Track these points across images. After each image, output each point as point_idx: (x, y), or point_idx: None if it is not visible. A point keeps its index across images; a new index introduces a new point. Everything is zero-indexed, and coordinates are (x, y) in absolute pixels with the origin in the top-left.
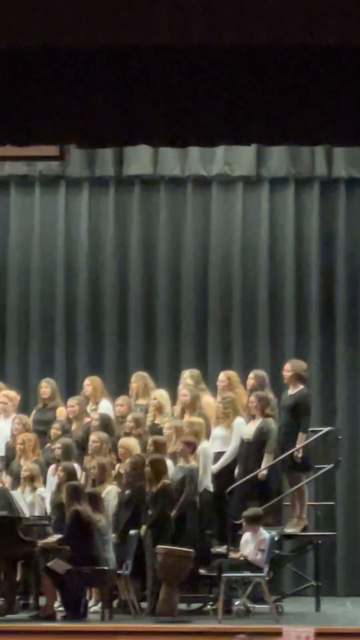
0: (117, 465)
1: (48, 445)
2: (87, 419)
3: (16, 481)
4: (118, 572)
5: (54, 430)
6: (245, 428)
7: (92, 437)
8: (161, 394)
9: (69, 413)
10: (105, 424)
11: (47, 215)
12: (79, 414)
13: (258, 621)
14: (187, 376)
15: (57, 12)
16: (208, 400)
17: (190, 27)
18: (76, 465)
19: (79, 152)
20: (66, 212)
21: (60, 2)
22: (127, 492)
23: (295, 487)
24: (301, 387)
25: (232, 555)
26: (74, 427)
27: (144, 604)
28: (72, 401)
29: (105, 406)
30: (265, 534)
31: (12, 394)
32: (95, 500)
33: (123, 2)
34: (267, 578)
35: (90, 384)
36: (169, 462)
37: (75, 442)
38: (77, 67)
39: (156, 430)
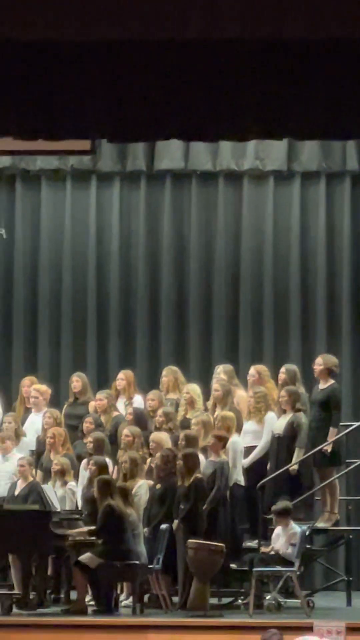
0: (149, 460)
1: (79, 439)
2: (115, 413)
3: (47, 475)
4: (149, 566)
5: (87, 424)
6: (276, 422)
7: (125, 431)
8: (193, 389)
9: (97, 407)
10: (139, 419)
11: (78, 210)
12: (108, 407)
13: (289, 616)
14: (221, 371)
15: (91, 5)
16: (241, 394)
17: (224, 20)
18: (107, 460)
19: (111, 146)
20: (97, 206)
21: None
22: (159, 486)
23: (326, 481)
24: (332, 381)
25: (263, 549)
26: (103, 420)
27: (175, 599)
28: (100, 395)
29: (139, 401)
30: (296, 528)
31: (43, 388)
32: (127, 495)
33: None
34: (298, 572)
35: (124, 378)
36: (200, 457)
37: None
38: (109, 60)
39: (188, 424)
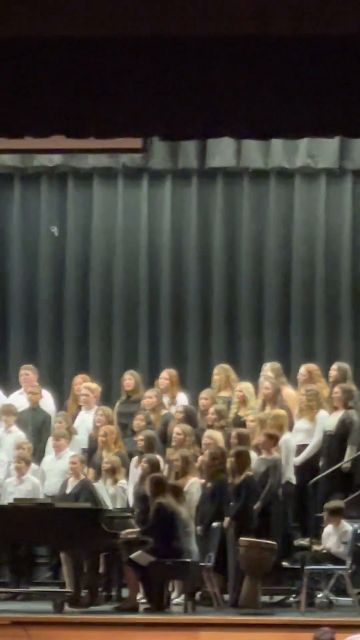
0: (200, 458)
1: (130, 437)
2: (164, 411)
3: (98, 473)
4: (201, 564)
5: (138, 422)
6: (328, 420)
7: (176, 429)
8: (246, 387)
9: (146, 405)
10: (189, 416)
11: (130, 208)
12: (157, 405)
13: (341, 614)
14: (268, 369)
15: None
16: (289, 392)
17: (273, 16)
18: (159, 457)
19: (162, 144)
20: (149, 204)
21: None
22: (210, 484)
23: None
24: None
25: (315, 547)
26: (152, 418)
27: (227, 596)
28: (150, 393)
29: (183, 399)
30: (348, 526)
31: (94, 385)
32: (178, 493)
33: None
34: (349, 571)
35: (167, 377)
36: (252, 455)
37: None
38: (161, 58)
39: (240, 422)
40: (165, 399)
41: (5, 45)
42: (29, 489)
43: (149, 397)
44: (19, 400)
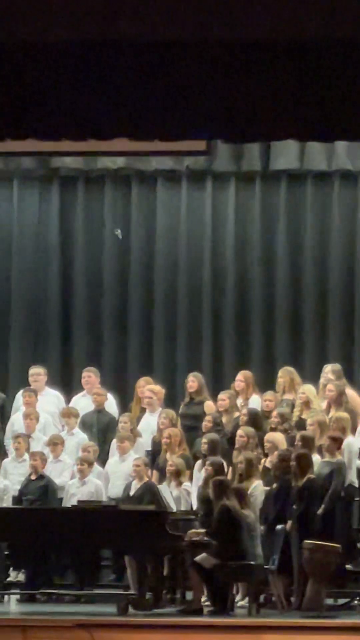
0: (263, 460)
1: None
2: (236, 414)
3: (162, 475)
4: (265, 566)
5: (205, 423)
6: None
7: (239, 431)
8: (309, 389)
9: (219, 407)
10: (253, 419)
11: (193, 210)
12: (229, 407)
13: None
14: (329, 370)
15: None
16: (351, 394)
17: (342, 20)
18: (223, 460)
19: (226, 146)
20: (213, 207)
21: None
22: (274, 487)
23: None
24: None
25: None
26: (224, 420)
27: (291, 599)
28: (223, 395)
29: (256, 401)
30: None
31: (157, 388)
32: (243, 495)
33: None
34: None
35: (242, 379)
36: (315, 457)
37: (225, 436)
38: (226, 61)
39: (303, 425)
40: (239, 401)
41: (71, 47)
42: (91, 490)
43: (221, 399)
44: (81, 402)
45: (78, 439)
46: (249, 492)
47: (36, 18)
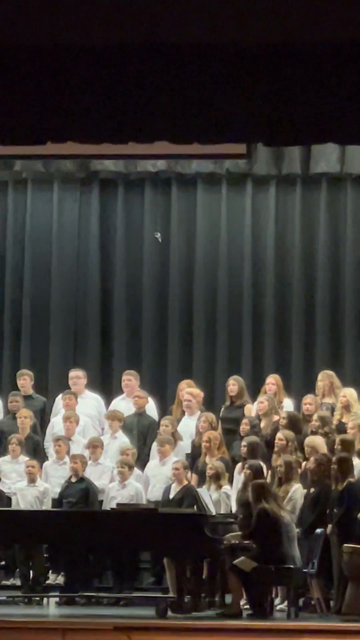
0: (303, 464)
1: (238, 441)
2: (275, 417)
3: (202, 479)
4: (304, 570)
5: (243, 426)
6: None
7: (279, 435)
8: (350, 393)
9: (258, 410)
10: (293, 422)
11: (233, 213)
12: (269, 410)
13: None
14: None
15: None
16: None
17: None
18: (262, 463)
19: (266, 150)
20: (253, 210)
21: None
22: (313, 490)
23: None
24: None
25: None
26: (263, 424)
27: (331, 603)
28: (262, 398)
29: (289, 405)
30: None
31: (196, 391)
32: (280, 499)
33: None
34: None
35: (274, 382)
36: (355, 461)
37: (263, 439)
38: (265, 64)
39: (343, 428)
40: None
41: (111, 51)
42: (131, 494)
43: (260, 402)
44: (121, 405)
45: (121, 442)
46: (288, 495)
47: (77, 21)
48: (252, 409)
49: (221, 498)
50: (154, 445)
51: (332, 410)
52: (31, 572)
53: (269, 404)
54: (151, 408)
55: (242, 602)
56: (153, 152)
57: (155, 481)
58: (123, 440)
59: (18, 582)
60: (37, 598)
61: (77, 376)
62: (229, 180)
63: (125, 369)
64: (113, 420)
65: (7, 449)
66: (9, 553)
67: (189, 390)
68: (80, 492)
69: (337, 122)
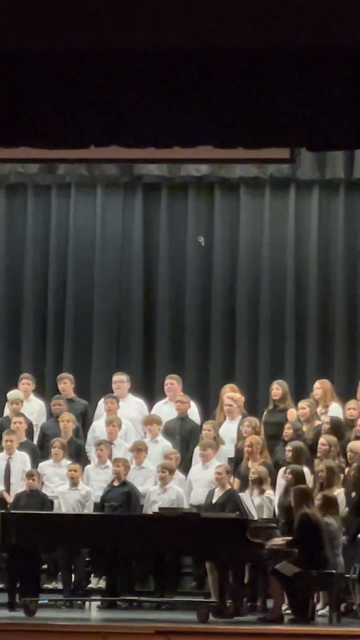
0: (347, 469)
1: (280, 446)
2: (317, 422)
3: (244, 483)
4: (346, 575)
5: (286, 431)
6: None
7: (321, 440)
8: None
9: (300, 415)
10: (336, 427)
11: (276, 218)
12: (310, 416)
13: None
14: None
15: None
16: None
17: None
18: (306, 469)
19: (310, 154)
20: (296, 214)
21: None
22: (354, 495)
23: None
24: None
25: None
26: (304, 429)
27: None
28: (303, 403)
29: (335, 410)
30: None
31: (237, 395)
32: (328, 504)
33: None
34: None
35: (320, 387)
36: None
37: (305, 444)
38: (310, 68)
39: None
40: (319, 409)
41: (156, 55)
42: (172, 498)
43: (302, 407)
44: (164, 409)
45: (162, 446)
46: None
47: (124, 25)
48: (295, 414)
49: (263, 503)
50: (197, 450)
51: None
52: (73, 575)
53: (309, 409)
54: (193, 412)
55: (284, 607)
56: (197, 156)
57: (198, 485)
58: (164, 444)
59: (60, 586)
60: (79, 602)
61: (120, 380)
62: (273, 185)
63: (167, 373)
64: (151, 424)
65: (50, 452)
66: (51, 557)
67: (229, 395)
68: (122, 496)
69: None
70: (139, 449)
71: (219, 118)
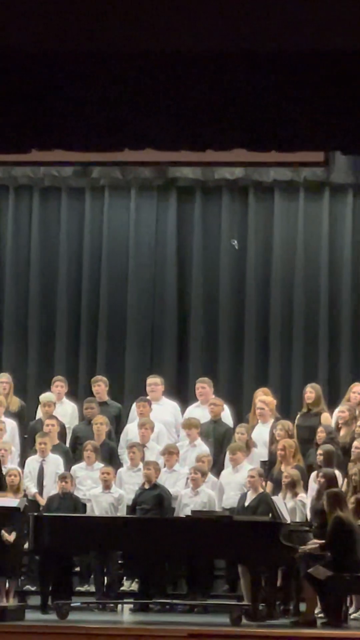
0: None
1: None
2: (354, 426)
3: (277, 487)
4: None
5: (319, 434)
6: None
7: (355, 443)
8: None
9: (339, 419)
10: None
11: (310, 222)
12: (349, 420)
13: None
14: None
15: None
16: None
17: None
18: (337, 472)
19: (344, 158)
20: (330, 218)
21: None
22: None
23: None
24: None
25: None
26: (342, 432)
27: None
28: (343, 407)
29: None
30: None
31: (269, 399)
32: None
33: None
34: None
35: (358, 392)
36: None
37: (341, 448)
38: (344, 71)
39: None
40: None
41: (187, 59)
42: (204, 501)
43: (341, 412)
44: (196, 412)
45: (200, 450)
46: None
47: (158, 26)
48: (328, 417)
49: (296, 506)
50: (228, 453)
51: None
52: (105, 578)
53: (349, 413)
54: (227, 415)
55: (317, 610)
56: (231, 159)
57: (229, 489)
58: (203, 448)
59: (92, 589)
60: (112, 604)
61: (154, 383)
62: (307, 188)
63: (200, 376)
64: (190, 428)
65: (83, 455)
66: (83, 559)
67: (261, 398)
68: (154, 499)
69: None
70: (171, 452)
71: (253, 121)
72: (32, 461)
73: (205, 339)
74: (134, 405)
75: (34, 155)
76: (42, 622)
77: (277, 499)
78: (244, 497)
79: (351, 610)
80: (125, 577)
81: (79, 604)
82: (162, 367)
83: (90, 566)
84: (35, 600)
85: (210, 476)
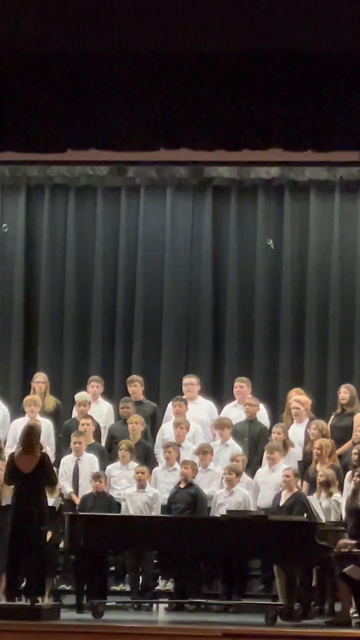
0: None
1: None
2: None
3: (312, 486)
4: None
5: (356, 433)
6: None
7: None
8: None
9: None
10: None
11: (346, 221)
12: None
13: None
14: None
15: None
16: None
17: None
18: None
19: None
20: None
21: None
22: None
23: None
24: None
25: None
26: None
27: None
28: None
29: None
30: None
31: (304, 399)
32: None
33: None
34: None
35: None
36: None
37: None
38: None
39: None
40: None
41: (224, 58)
42: (239, 500)
43: None
44: (233, 412)
45: (232, 450)
46: None
47: (193, 27)
48: None
49: (331, 506)
50: (265, 452)
51: None
52: (141, 578)
53: None
54: (262, 415)
55: (352, 610)
56: (267, 159)
57: (265, 488)
58: (235, 448)
59: (127, 588)
60: (147, 604)
61: (191, 382)
62: (343, 188)
63: (236, 375)
64: (222, 428)
65: (117, 454)
66: (118, 559)
67: (297, 398)
68: (189, 498)
69: None
70: (205, 452)
71: (289, 120)
72: (68, 460)
73: (240, 338)
74: (169, 405)
75: (70, 154)
76: (77, 622)
77: (312, 499)
78: (278, 496)
79: None
80: (160, 577)
81: (113, 603)
82: (197, 367)
83: (126, 565)
84: (70, 600)
85: (245, 476)
